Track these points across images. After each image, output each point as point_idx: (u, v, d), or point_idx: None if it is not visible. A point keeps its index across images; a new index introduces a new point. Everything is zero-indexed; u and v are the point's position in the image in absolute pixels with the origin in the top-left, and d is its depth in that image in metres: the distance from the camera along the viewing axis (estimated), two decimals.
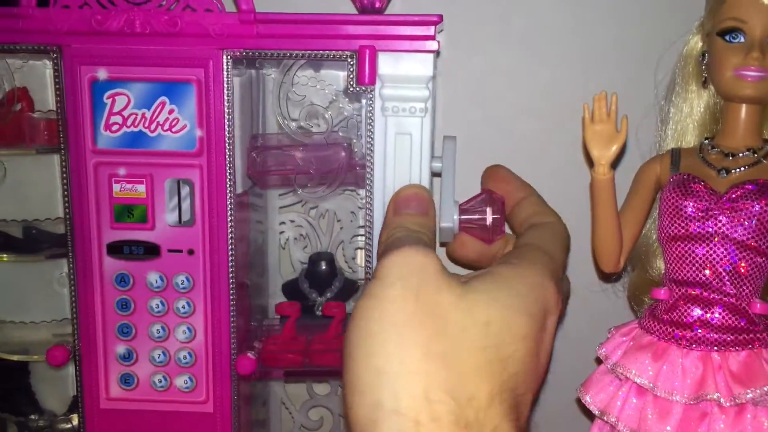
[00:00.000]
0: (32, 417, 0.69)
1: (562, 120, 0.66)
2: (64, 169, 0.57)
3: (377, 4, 0.59)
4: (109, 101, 0.56)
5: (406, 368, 0.27)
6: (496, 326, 0.30)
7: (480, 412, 0.27)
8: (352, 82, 0.54)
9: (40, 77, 0.59)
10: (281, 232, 0.73)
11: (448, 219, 0.49)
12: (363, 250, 0.59)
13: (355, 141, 0.58)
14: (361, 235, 0.72)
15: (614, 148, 0.54)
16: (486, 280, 0.32)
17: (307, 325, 0.66)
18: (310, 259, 0.69)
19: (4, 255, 0.62)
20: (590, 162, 0.57)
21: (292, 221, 0.73)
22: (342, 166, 0.59)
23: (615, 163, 0.56)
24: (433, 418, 0.27)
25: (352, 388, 0.29)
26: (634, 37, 0.67)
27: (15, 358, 0.64)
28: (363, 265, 0.70)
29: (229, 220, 0.57)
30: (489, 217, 0.48)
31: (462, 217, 0.50)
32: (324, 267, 0.69)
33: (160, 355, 0.60)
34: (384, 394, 0.27)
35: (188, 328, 0.59)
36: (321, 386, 0.76)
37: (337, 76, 0.59)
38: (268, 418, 0.74)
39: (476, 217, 0.49)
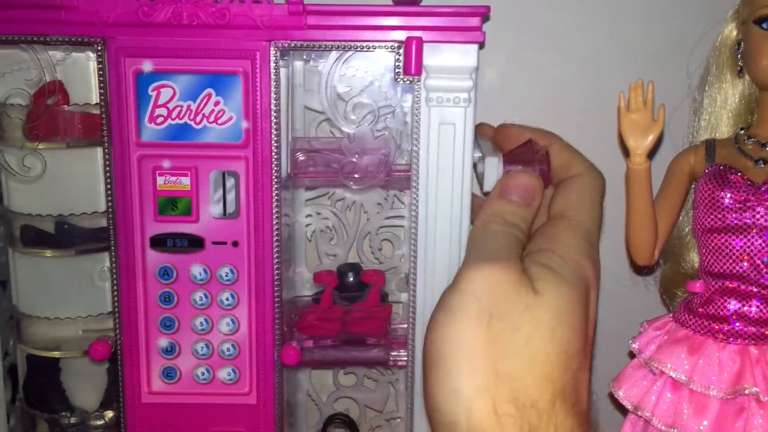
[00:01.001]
0: (63, 414, 0.68)
1: (593, 113, 0.67)
2: (107, 162, 0.57)
3: None
4: (153, 93, 0.56)
5: (477, 389, 0.31)
6: (560, 330, 0.32)
7: (543, 414, 0.30)
8: (398, 73, 0.55)
9: (82, 70, 0.58)
10: (307, 225, 0.73)
11: (492, 171, 0.50)
12: (409, 238, 0.59)
13: (401, 130, 0.59)
14: (388, 227, 0.73)
15: (651, 138, 0.54)
16: (548, 280, 0.34)
17: None
18: (338, 270, 0.70)
19: (46, 250, 0.61)
20: (626, 152, 0.57)
21: (319, 213, 0.73)
22: (383, 171, 0.60)
23: (651, 154, 0.56)
24: (500, 427, 0.30)
25: (432, 405, 0.32)
26: (666, 26, 0.67)
27: (53, 354, 0.64)
28: (393, 255, 0.72)
29: (274, 211, 0.58)
30: (536, 168, 0.48)
31: (507, 169, 0.50)
32: (352, 279, 0.69)
33: (203, 347, 0.60)
34: (460, 414, 0.30)
35: (232, 320, 0.59)
36: (347, 377, 0.77)
37: (384, 67, 0.59)
38: (296, 409, 0.75)
39: (520, 167, 0.49)
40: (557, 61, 0.69)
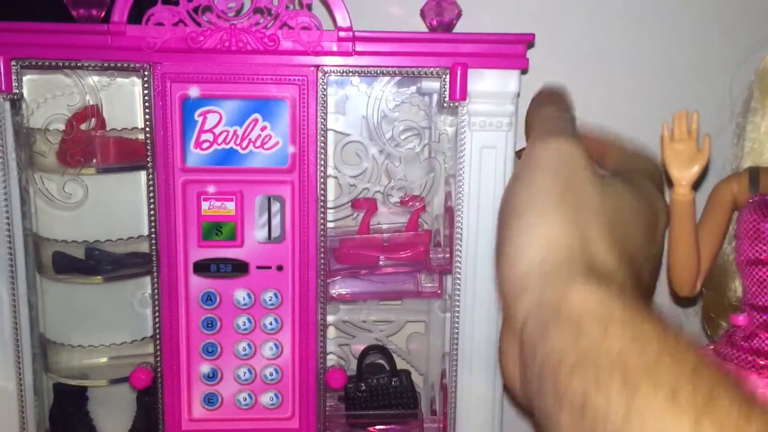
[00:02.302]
0: None
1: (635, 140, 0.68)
2: (150, 188, 0.56)
3: (446, 21, 0.61)
4: (200, 119, 0.56)
5: (553, 230, 0.32)
6: (626, 217, 0.35)
7: (610, 268, 0.32)
8: (444, 98, 0.56)
9: (127, 95, 0.58)
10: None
11: None
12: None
13: (448, 156, 0.60)
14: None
15: (696, 168, 0.53)
16: (621, 183, 0.38)
17: None
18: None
19: (78, 277, 0.60)
20: (669, 182, 0.56)
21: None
22: (423, 262, 0.62)
23: (696, 185, 0.55)
24: (573, 265, 0.31)
25: (503, 255, 0.33)
26: (709, 52, 0.68)
27: (81, 383, 0.63)
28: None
29: (319, 234, 0.58)
30: None
31: None
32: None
33: (245, 373, 0.60)
34: (532, 255, 0.32)
35: (275, 345, 0.59)
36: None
37: (425, 91, 0.60)
38: None
39: None
40: (592, 84, 0.70)
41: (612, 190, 0.36)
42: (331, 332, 0.73)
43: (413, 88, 0.60)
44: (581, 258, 0.32)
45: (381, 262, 0.62)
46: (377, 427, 0.64)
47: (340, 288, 0.64)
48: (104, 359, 0.65)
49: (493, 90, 0.56)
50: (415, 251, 0.62)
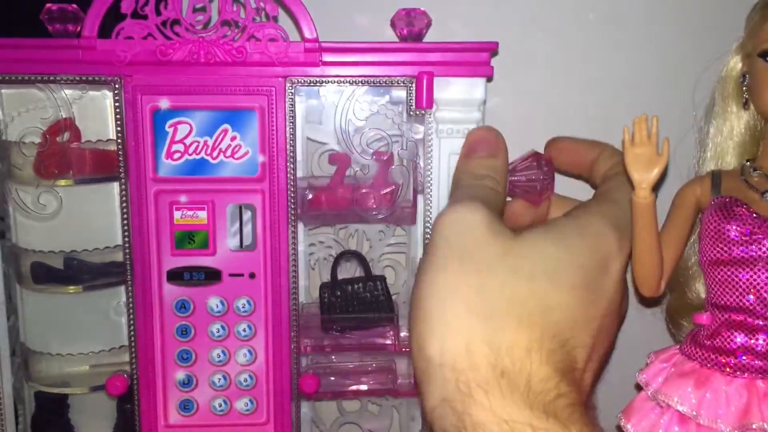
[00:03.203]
0: None
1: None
2: (123, 198, 0.57)
3: (416, 31, 0.62)
4: (170, 130, 0.57)
5: (450, 327, 0.31)
6: (541, 280, 0.33)
7: (517, 360, 0.30)
8: (411, 106, 0.57)
9: (99, 108, 0.59)
10: (311, 254, 0.74)
11: None
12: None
13: (417, 161, 0.60)
14: (390, 254, 0.75)
15: (655, 171, 0.53)
16: (538, 233, 0.35)
17: None
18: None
19: (57, 286, 0.61)
20: (630, 185, 0.55)
21: (321, 242, 0.74)
22: (391, 205, 0.62)
23: (656, 187, 0.55)
24: (472, 367, 0.30)
25: (412, 345, 0.33)
26: (670, 56, 0.69)
27: (62, 391, 0.64)
28: (394, 281, 0.73)
29: (290, 242, 0.59)
30: (539, 175, 0.49)
31: (510, 178, 0.50)
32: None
33: (220, 379, 0.60)
34: (433, 351, 0.31)
35: (249, 351, 0.60)
36: (351, 403, 0.78)
37: (396, 100, 0.61)
38: None
39: (523, 178, 0.50)
40: (559, 91, 0.71)
41: (523, 247, 0.34)
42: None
43: (387, 97, 0.61)
44: (482, 356, 0.30)
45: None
46: (352, 332, 0.64)
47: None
48: (85, 367, 0.66)
49: (460, 98, 0.57)
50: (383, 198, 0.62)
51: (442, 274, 0.32)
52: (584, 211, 0.38)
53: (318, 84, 0.57)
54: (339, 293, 0.64)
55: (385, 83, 0.57)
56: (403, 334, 0.65)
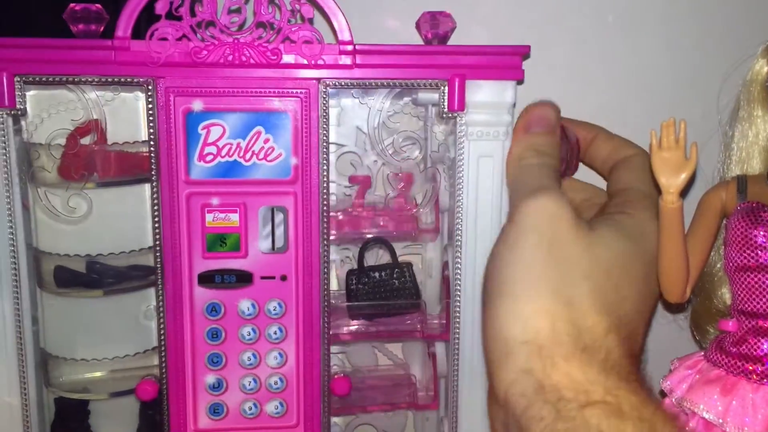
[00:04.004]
0: None
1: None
2: (155, 200, 0.57)
3: (441, 34, 0.62)
4: (203, 132, 0.56)
5: (536, 308, 0.34)
6: (616, 273, 0.36)
7: (597, 339, 0.34)
8: (443, 108, 0.58)
9: (130, 110, 0.58)
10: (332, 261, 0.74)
11: None
12: (451, 268, 0.61)
13: (447, 166, 0.61)
14: (406, 255, 0.75)
15: (683, 176, 0.52)
16: (611, 229, 0.38)
17: None
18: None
19: (81, 290, 0.60)
20: (658, 190, 0.55)
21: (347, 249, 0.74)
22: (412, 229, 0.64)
23: (683, 192, 0.55)
24: (556, 342, 0.33)
25: (489, 325, 0.35)
26: (694, 61, 0.70)
27: (83, 397, 0.63)
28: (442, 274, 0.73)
29: (322, 244, 0.59)
30: (566, 150, 0.49)
31: None
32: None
33: (250, 382, 0.60)
34: (515, 330, 0.34)
35: (279, 354, 0.60)
36: None
37: (426, 104, 0.61)
38: None
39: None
40: (580, 95, 0.70)
41: (601, 242, 0.36)
42: None
43: (407, 99, 0.61)
44: (565, 334, 0.33)
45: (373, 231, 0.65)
46: (379, 319, 0.64)
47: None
48: (105, 373, 0.65)
49: (490, 100, 0.58)
50: (402, 220, 0.64)
51: (530, 259, 0.35)
52: (637, 210, 0.40)
53: (352, 87, 0.57)
54: (366, 280, 0.64)
55: (418, 86, 0.57)
56: (429, 320, 0.66)
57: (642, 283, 0.37)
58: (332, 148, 0.70)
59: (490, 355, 0.36)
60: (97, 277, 0.63)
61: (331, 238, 0.61)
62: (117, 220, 0.62)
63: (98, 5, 0.56)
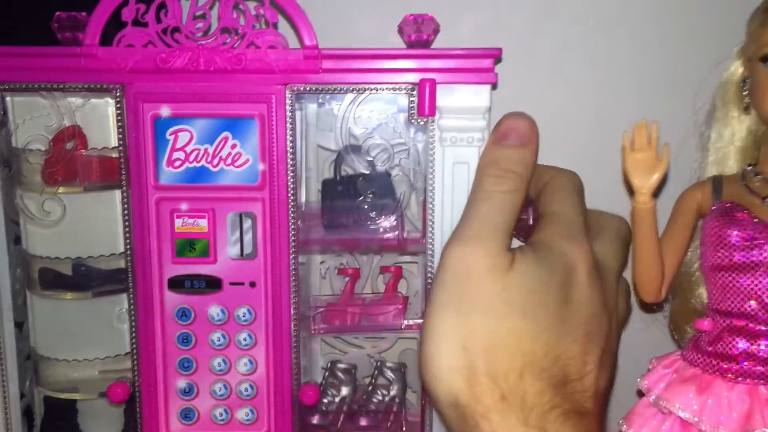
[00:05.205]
0: None
1: (596, 148, 0.68)
2: (125, 205, 0.58)
3: (424, 38, 0.60)
4: (171, 137, 0.57)
5: (450, 365, 0.34)
6: (531, 309, 0.35)
7: (513, 384, 0.33)
8: (413, 114, 0.56)
9: (101, 116, 0.59)
10: (321, 262, 0.74)
11: None
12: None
13: (416, 170, 0.59)
14: (402, 263, 0.74)
15: (655, 177, 0.54)
16: (527, 261, 0.37)
17: None
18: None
19: (65, 293, 0.62)
20: (631, 191, 0.56)
21: (333, 251, 0.74)
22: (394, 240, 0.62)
23: (656, 192, 0.56)
24: (475, 400, 0.33)
25: (427, 389, 0.35)
26: (671, 62, 0.68)
27: (71, 396, 0.64)
28: (407, 291, 0.72)
29: (291, 251, 0.58)
30: (530, 218, 0.48)
31: None
32: None
33: (221, 388, 0.60)
34: (441, 392, 0.34)
35: (250, 361, 0.60)
36: None
37: (397, 107, 0.60)
38: None
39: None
40: (560, 97, 0.70)
41: (515, 281, 0.35)
42: (323, 348, 0.74)
43: (381, 104, 0.60)
44: (481, 390, 0.33)
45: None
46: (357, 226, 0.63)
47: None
48: (93, 373, 0.66)
49: (464, 105, 0.56)
50: (389, 313, 0.66)
51: (440, 320, 0.35)
52: (545, 234, 0.39)
53: (318, 92, 0.56)
54: (341, 188, 0.63)
55: (387, 90, 0.56)
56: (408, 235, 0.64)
57: (562, 307, 0.36)
58: (324, 153, 0.70)
59: (424, 379, 0.36)
60: (82, 279, 0.64)
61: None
62: (100, 224, 0.63)
63: (84, 13, 0.57)
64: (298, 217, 0.58)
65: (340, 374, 0.66)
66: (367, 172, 0.61)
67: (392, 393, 0.65)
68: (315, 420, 0.63)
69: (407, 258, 0.72)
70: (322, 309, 0.66)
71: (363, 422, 0.63)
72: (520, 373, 0.33)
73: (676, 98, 0.65)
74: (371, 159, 0.59)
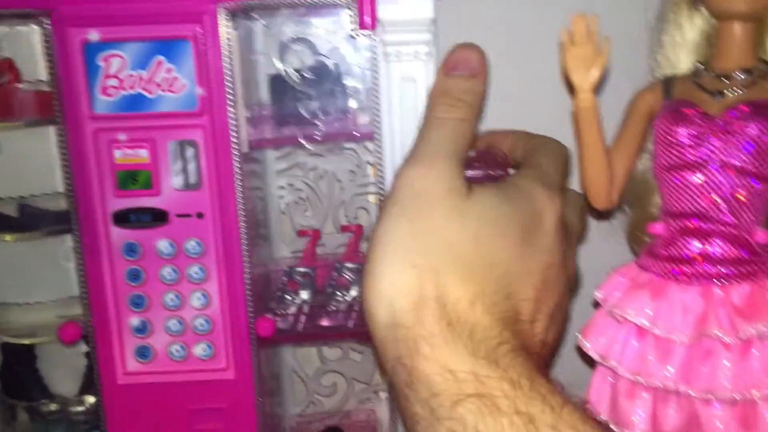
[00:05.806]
0: (43, 402, 0.67)
1: (551, 58, 0.65)
2: (61, 139, 0.55)
3: None
4: (103, 64, 0.54)
5: (397, 287, 0.32)
6: (486, 238, 0.33)
7: (461, 312, 0.32)
8: (354, 28, 0.53)
9: (28, 45, 0.57)
10: (281, 197, 0.72)
11: None
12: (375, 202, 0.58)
13: (361, 88, 0.57)
14: (362, 194, 0.71)
15: (596, 72, 0.51)
16: (488, 193, 0.36)
17: None
18: None
19: (6, 235, 0.60)
20: (572, 90, 0.53)
21: (291, 185, 0.71)
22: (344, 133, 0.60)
23: (598, 90, 0.53)
24: (419, 322, 0.31)
25: (365, 312, 0.33)
26: None
27: (24, 341, 0.62)
28: (369, 223, 0.70)
29: (236, 179, 0.56)
30: (497, 171, 0.46)
31: (468, 173, 0.49)
32: None
33: (175, 324, 0.58)
34: (382, 313, 0.32)
35: (203, 295, 0.58)
36: (332, 351, 0.75)
37: (340, 23, 0.57)
38: (281, 388, 0.73)
39: (480, 173, 0.48)
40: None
41: (473, 209, 0.34)
42: None
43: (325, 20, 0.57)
44: (429, 313, 0.32)
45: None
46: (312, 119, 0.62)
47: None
48: (51, 317, 0.64)
49: (406, 18, 0.53)
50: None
51: (391, 228, 0.33)
52: (517, 177, 0.38)
53: (252, 9, 0.53)
54: (288, 83, 0.60)
55: (324, 4, 0.53)
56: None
57: (523, 247, 0.35)
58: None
59: (372, 339, 0.34)
60: (27, 220, 0.62)
61: None
62: (40, 161, 0.60)
63: None
64: (241, 145, 0.56)
65: (298, 278, 0.64)
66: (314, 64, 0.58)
67: (352, 293, 0.63)
68: (277, 324, 0.61)
69: (368, 189, 0.70)
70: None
71: (324, 323, 0.61)
72: (471, 302, 0.32)
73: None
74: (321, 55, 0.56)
